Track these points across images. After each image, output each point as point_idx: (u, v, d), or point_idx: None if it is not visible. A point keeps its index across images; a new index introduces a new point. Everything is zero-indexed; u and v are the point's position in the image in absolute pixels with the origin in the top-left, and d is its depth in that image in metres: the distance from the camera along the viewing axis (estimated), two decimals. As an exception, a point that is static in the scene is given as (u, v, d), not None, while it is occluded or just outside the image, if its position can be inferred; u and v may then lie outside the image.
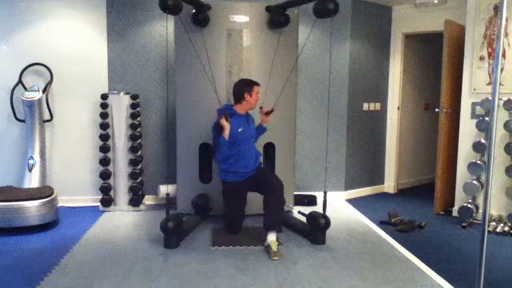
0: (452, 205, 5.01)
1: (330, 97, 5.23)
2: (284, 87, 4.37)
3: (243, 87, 3.90)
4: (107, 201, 4.82)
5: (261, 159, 4.25)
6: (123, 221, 4.50)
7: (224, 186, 4.05)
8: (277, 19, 4.39)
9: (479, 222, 4.51)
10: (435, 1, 5.31)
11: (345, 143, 5.55)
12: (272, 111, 4.08)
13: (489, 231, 4.28)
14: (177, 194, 4.62)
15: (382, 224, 4.57)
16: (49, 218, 4.21)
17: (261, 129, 4.17)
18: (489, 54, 4.62)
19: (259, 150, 4.23)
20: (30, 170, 4.62)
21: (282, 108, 4.41)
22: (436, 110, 5.10)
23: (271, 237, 3.63)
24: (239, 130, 3.85)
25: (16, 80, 4.77)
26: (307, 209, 4.23)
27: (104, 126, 4.79)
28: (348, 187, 5.66)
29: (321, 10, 3.83)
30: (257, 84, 3.94)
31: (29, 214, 4.06)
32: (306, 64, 5.29)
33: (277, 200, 3.77)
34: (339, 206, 5.20)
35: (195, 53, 4.25)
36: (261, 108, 4.10)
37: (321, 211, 3.91)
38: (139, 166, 4.89)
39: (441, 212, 5.08)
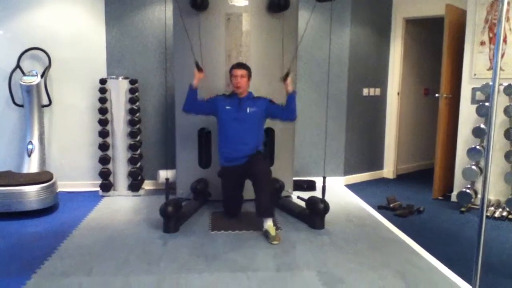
0: (451, 190, 5.02)
1: (330, 82, 5.20)
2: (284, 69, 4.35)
3: (229, 71, 4.00)
4: (107, 186, 4.83)
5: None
6: (122, 206, 4.51)
7: (220, 168, 4.09)
8: (276, 3, 4.34)
9: (478, 207, 4.52)
10: (436, -15, 5.26)
11: (345, 128, 5.55)
12: (287, 75, 3.93)
13: (487, 216, 4.30)
14: (177, 179, 4.62)
15: (380, 209, 4.59)
16: (48, 203, 4.22)
17: (288, 97, 3.97)
18: (490, 39, 4.59)
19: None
20: (29, 155, 4.62)
21: (281, 93, 4.38)
22: (436, 95, 5.07)
23: (268, 222, 3.63)
24: (226, 107, 3.92)
25: (14, 65, 4.75)
26: (306, 194, 4.25)
27: (103, 111, 4.78)
28: (347, 172, 5.66)
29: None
30: (237, 66, 3.93)
31: (28, 199, 4.07)
32: (306, 49, 5.25)
33: (262, 186, 3.70)
34: (338, 191, 5.21)
35: (194, 37, 4.22)
36: (280, 78, 4.05)
37: (320, 196, 3.92)
38: (138, 151, 4.88)
39: (440, 197, 5.10)
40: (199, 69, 3.91)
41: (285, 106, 3.98)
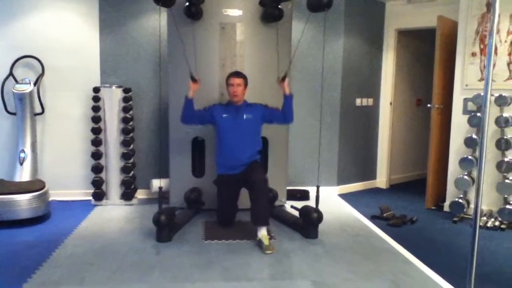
0: (444, 200, 5.05)
1: (323, 92, 5.23)
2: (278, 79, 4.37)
3: (226, 80, 4.00)
4: (99, 195, 4.80)
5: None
6: (115, 215, 4.48)
7: (217, 177, 4.08)
8: (270, 13, 4.37)
9: (470, 217, 4.55)
10: (428, -3, 5.32)
11: (338, 138, 5.57)
12: (285, 76, 3.96)
13: (480, 226, 4.29)
14: (170, 188, 4.60)
15: (374, 218, 4.59)
16: (40, 211, 4.18)
17: (285, 99, 3.99)
18: (481, 50, 4.65)
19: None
20: (21, 164, 4.59)
21: (275, 102, 4.39)
22: (428, 105, 5.12)
23: (261, 231, 3.62)
24: (223, 115, 3.91)
25: (7, 72, 4.73)
26: (299, 204, 4.24)
27: (96, 119, 4.76)
28: (340, 182, 5.67)
29: (315, 4, 3.83)
30: (234, 75, 3.94)
31: (20, 208, 4.03)
32: (300, 59, 5.27)
33: (258, 195, 3.71)
34: (332, 201, 5.21)
35: (188, 46, 4.23)
36: (278, 78, 4.08)
37: (313, 205, 3.92)
38: (132, 160, 4.86)
39: (433, 207, 5.12)
40: (194, 80, 3.88)
41: (282, 108, 4.01)
